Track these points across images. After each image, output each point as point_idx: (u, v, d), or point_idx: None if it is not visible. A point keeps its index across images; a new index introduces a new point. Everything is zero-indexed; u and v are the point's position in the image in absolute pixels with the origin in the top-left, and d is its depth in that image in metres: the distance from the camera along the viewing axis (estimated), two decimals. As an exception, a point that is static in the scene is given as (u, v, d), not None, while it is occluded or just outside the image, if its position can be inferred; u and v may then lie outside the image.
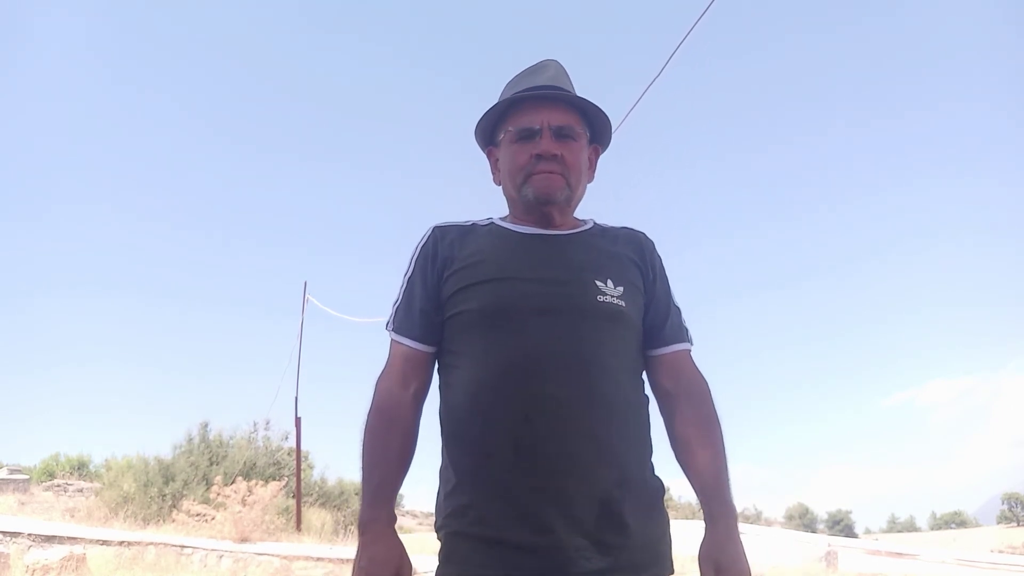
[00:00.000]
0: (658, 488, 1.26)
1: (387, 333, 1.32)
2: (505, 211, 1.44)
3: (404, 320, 1.31)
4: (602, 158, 1.47)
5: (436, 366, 1.33)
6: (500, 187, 1.42)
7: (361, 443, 1.22)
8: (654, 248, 1.43)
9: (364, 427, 1.23)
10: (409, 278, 1.33)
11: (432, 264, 1.31)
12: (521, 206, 1.36)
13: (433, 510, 1.28)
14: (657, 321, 1.35)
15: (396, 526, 1.21)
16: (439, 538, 1.22)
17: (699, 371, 1.35)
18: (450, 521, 1.19)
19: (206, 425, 14.71)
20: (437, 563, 1.21)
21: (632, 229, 1.45)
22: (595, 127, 1.41)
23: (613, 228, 1.43)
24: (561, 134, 1.32)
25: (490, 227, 1.38)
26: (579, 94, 1.38)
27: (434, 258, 1.32)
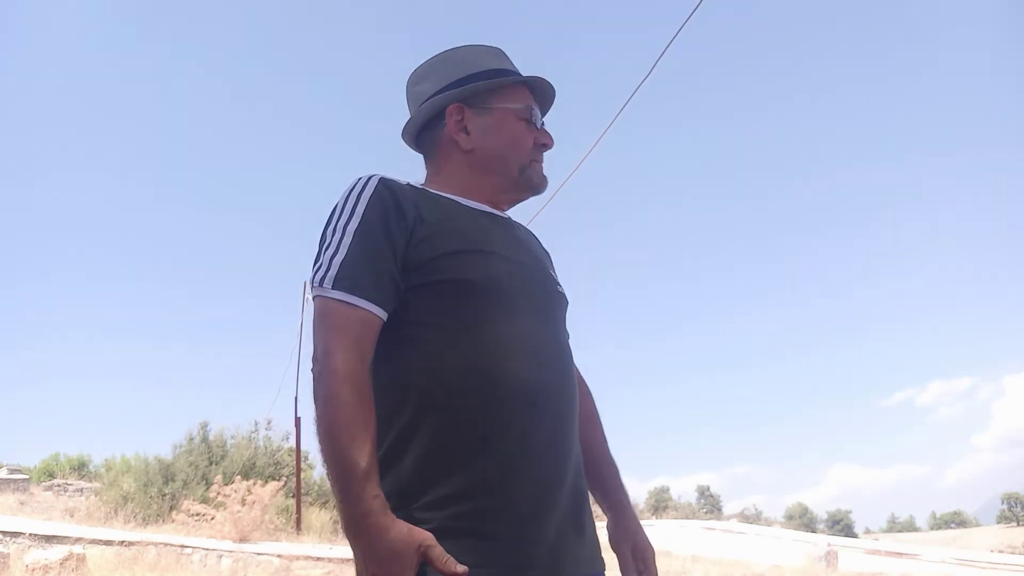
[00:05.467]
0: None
1: (322, 290, 1.07)
2: (421, 172, 1.31)
3: (364, 279, 1.06)
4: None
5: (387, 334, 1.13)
6: (460, 145, 1.25)
7: (327, 419, 0.99)
8: None
9: (328, 400, 1.00)
10: (359, 229, 1.09)
11: (398, 220, 1.11)
12: (500, 184, 1.26)
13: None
14: None
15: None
16: None
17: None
18: (425, 514, 1.01)
19: (206, 425, 14.76)
20: None
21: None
22: None
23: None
24: None
25: (433, 194, 1.21)
26: None
27: (399, 214, 1.11)
